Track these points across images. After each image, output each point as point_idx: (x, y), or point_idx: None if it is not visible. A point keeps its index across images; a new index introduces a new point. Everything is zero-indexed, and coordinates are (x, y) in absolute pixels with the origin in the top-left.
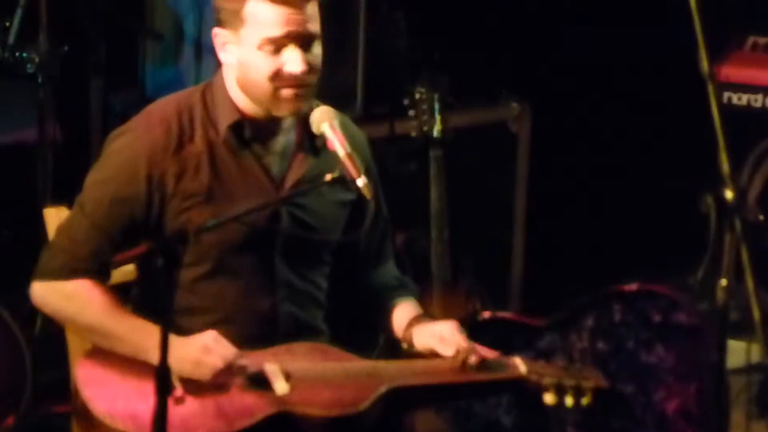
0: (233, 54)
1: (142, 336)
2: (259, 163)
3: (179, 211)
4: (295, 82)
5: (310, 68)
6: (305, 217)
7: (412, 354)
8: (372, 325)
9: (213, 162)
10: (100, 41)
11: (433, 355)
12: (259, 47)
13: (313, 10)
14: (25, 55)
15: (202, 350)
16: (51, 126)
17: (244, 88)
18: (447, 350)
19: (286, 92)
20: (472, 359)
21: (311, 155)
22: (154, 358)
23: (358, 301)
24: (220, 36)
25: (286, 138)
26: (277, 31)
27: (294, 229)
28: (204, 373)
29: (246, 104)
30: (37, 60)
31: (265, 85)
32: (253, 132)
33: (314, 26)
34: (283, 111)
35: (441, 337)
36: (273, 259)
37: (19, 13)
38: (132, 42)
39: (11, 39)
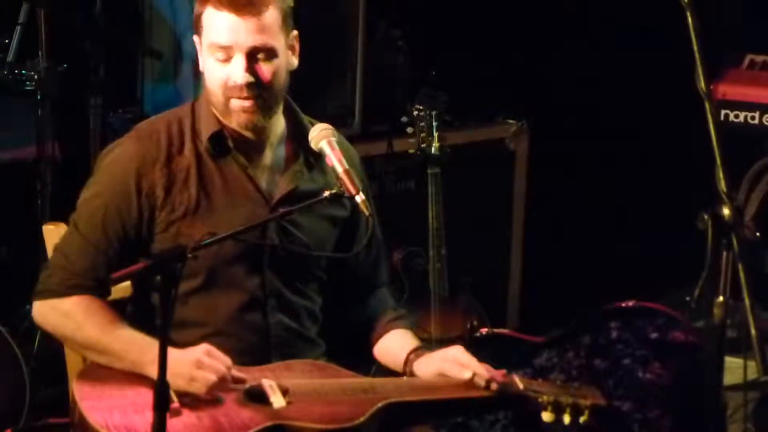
0: (199, 62)
1: (138, 351)
2: (244, 173)
3: (168, 223)
4: (242, 93)
5: (258, 80)
6: (294, 230)
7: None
8: (366, 353)
9: (201, 173)
10: (99, 59)
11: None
12: (210, 54)
13: (269, 20)
14: (24, 72)
15: (195, 365)
16: (50, 143)
17: (208, 98)
18: (461, 373)
19: (235, 103)
20: (494, 386)
21: (304, 170)
22: (151, 372)
23: (355, 329)
24: (195, 43)
25: (274, 153)
26: (222, 38)
27: (283, 242)
28: (198, 388)
29: (221, 115)
30: (36, 78)
31: (218, 95)
32: (235, 143)
33: (267, 38)
34: (234, 123)
35: (454, 360)
36: (263, 271)
37: (18, 30)
38: (131, 60)
39: (10, 57)
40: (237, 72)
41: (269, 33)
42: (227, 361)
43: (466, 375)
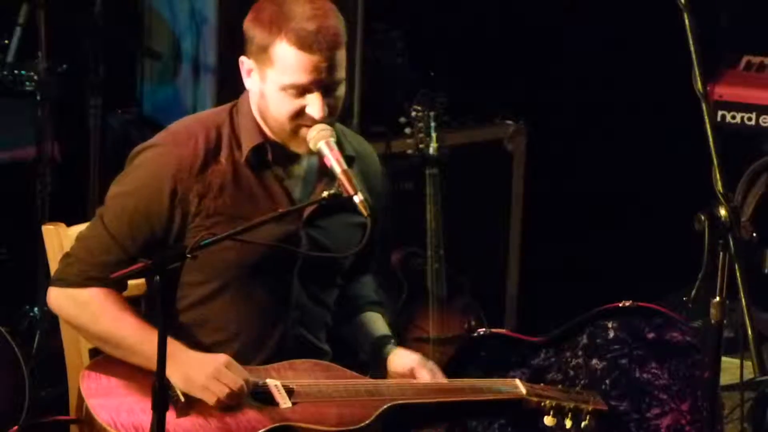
0: (256, 85)
1: (153, 347)
2: (280, 185)
3: (201, 230)
4: (315, 123)
5: (330, 111)
6: (323, 239)
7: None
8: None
9: (237, 182)
10: (99, 60)
11: (411, 376)
12: (281, 88)
13: (340, 56)
14: (23, 73)
15: (212, 376)
16: (49, 144)
17: (264, 118)
18: (426, 376)
19: (305, 131)
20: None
21: (334, 181)
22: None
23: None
24: (246, 64)
25: (308, 163)
26: (302, 79)
27: (311, 251)
28: (210, 398)
29: (268, 128)
30: (35, 78)
31: (284, 123)
32: (275, 155)
33: (340, 73)
34: (300, 148)
35: (422, 364)
36: (291, 282)
37: (17, 31)
38: (130, 61)
39: (10, 57)
40: (315, 109)
41: (340, 67)
42: (245, 374)
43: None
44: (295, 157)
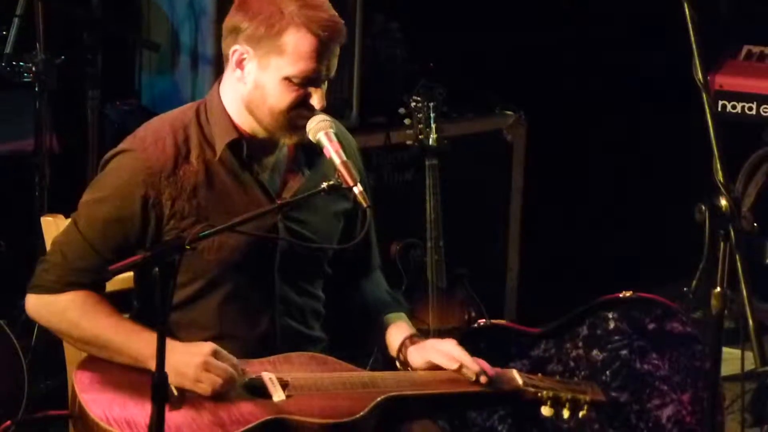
0: (250, 75)
1: (139, 345)
2: (257, 180)
3: (177, 232)
4: (311, 114)
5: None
6: (303, 231)
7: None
8: (363, 340)
9: (210, 181)
10: (97, 51)
11: (433, 368)
12: (287, 78)
13: (338, 48)
14: (22, 64)
15: (202, 367)
16: (48, 136)
17: (251, 109)
18: (451, 365)
19: (301, 122)
20: (483, 379)
21: (306, 169)
22: (152, 366)
23: (351, 314)
24: (239, 53)
25: (277, 155)
26: (315, 67)
27: (292, 243)
28: (204, 389)
29: (245, 121)
30: (33, 70)
31: (281, 114)
32: (250, 150)
33: (335, 66)
34: (291, 139)
35: (445, 353)
36: (272, 276)
37: (15, 22)
38: (128, 52)
39: (8, 48)
40: (318, 98)
41: (337, 59)
42: (233, 360)
43: (454, 366)
44: (266, 150)
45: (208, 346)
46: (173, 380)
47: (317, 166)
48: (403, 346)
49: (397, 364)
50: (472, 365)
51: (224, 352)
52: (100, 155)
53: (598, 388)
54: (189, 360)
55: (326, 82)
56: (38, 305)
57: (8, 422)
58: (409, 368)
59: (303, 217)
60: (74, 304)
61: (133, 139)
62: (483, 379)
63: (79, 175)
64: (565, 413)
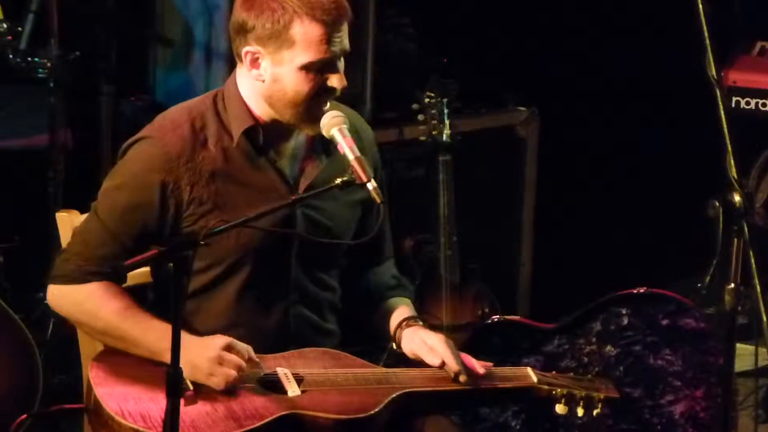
0: (266, 71)
1: (156, 338)
2: (274, 167)
3: (196, 217)
4: (332, 96)
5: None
6: (321, 218)
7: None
8: (365, 321)
9: (228, 168)
10: (111, 47)
11: (417, 359)
12: (303, 68)
13: (347, 26)
14: (36, 60)
15: (216, 361)
16: (62, 131)
17: (272, 103)
18: (434, 361)
19: (324, 107)
20: (462, 378)
21: (323, 157)
22: (168, 358)
23: (354, 298)
24: (251, 54)
25: (295, 141)
26: (327, 52)
27: (311, 231)
28: (217, 383)
29: (262, 110)
30: (48, 65)
31: (302, 103)
32: (266, 137)
33: (348, 43)
34: (314, 130)
35: (431, 348)
36: (289, 264)
37: (30, 18)
38: (142, 48)
39: (22, 44)
40: (338, 80)
41: (348, 35)
42: (248, 349)
43: (436, 362)
44: (284, 137)
45: (222, 340)
46: (187, 374)
47: (335, 153)
48: (399, 328)
49: (393, 344)
50: (452, 363)
51: (239, 345)
52: (114, 151)
53: (612, 384)
54: (203, 353)
55: (343, 60)
56: (59, 296)
57: (24, 416)
58: (401, 351)
59: (320, 204)
60: (94, 295)
61: (152, 127)
62: (462, 378)
63: (94, 171)
64: (579, 411)
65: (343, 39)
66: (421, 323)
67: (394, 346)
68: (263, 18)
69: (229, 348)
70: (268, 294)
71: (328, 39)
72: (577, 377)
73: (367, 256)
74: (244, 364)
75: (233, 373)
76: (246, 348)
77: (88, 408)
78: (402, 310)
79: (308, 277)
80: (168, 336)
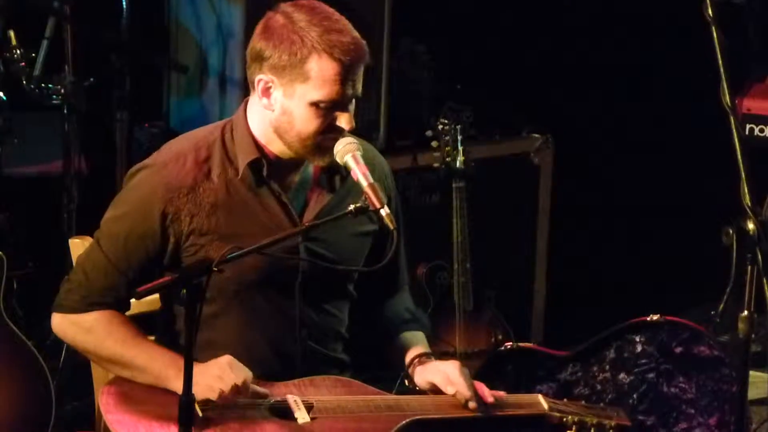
0: (277, 102)
1: (162, 365)
2: (278, 200)
3: (197, 248)
4: (339, 136)
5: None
6: (324, 251)
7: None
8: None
9: (230, 200)
10: (125, 74)
11: (436, 391)
12: (313, 104)
13: (363, 69)
14: (50, 86)
15: (217, 376)
16: (76, 158)
17: (280, 134)
18: (449, 390)
19: (330, 145)
20: (471, 405)
21: (328, 191)
22: (174, 386)
23: (370, 330)
24: (264, 82)
25: (302, 174)
26: (340, 92)
27: (314, 265)
28: (213, 395)
29: (270, 143)
30: (62, 92)
31: (309, 138)
32: (272, 169)
33: (361, 86)
34: (321, 162)
35: (445, 376)
36: (293, 297)
37: (44, 44)
38: (157, 75)
39: (37, 70)
40: (346, 120)
41: (363, 78)
42: (248, 373)
43: (450, 391)
44: (291, 170)
45: (225, 358)
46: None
47: (342, 186)
48: (411, 366)
49: (406, 382)
50: (463, 390)
51: (240, 364)
52: (123, 181)
53: (623, 412)
54: (205, 370)
55: (354, 102)
56: (63, 325)
57: None
58: (414, 386)
59: (325, 237)
60: (99, 324)
61: (156, 156)
62: (471, 405)
63: (108, 198)
64: None
65: (357, 82)
66: (433, 359)
67: (407, 383)
68: (281, 48)
69: (231, 365)
70: (274, 327)
71: (343, 79)
72: (588, 405)
73: (380, 287)
74: (243, 378)
75: (230, 383)
76: (247, 371)
77: None
78: (415, 349)
79: (314, 309)
80: (173, 363)
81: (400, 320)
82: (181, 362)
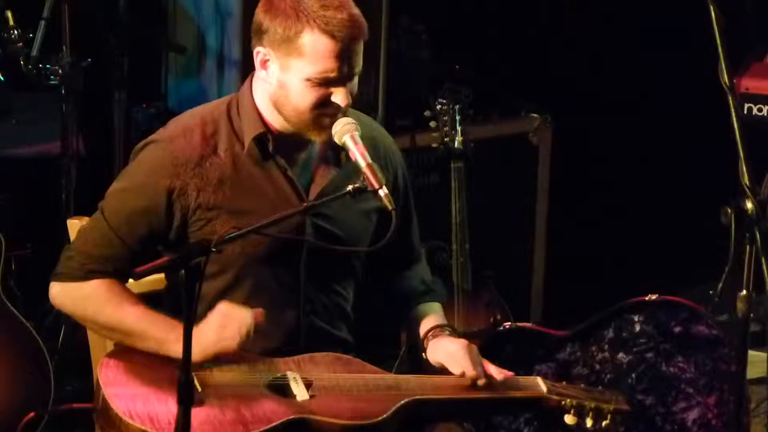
0: (274, 75)
1: (162, 330)
2: (284, 175)
3: (203, 223)
4: (337, 111)
5: (352, 99)
6: (331, 227)
7: (430, 368)
8: (397, 328)
9: (237, 175)
10: (123, 54)
11: (444, 370)
12: (308, 79)
13: (361, 45)
14: (48, 67)
15: (219, 327)
16: (74, 138)
17: (278, 107)
18: (456, 369)
19: (327, 120)
20: (480, 382)
21: (334, 166)
22: (174, 351)
23: (384, 305)
24: (262, 54)
25: (309, 150)
26: (333, 68)
27: (318, 240)
28: (229, 347)
29: (274, 118)
30: (60, 72)
31: (305, 113)
32: (277, 144)
33: (361, 62)
34: (319, 137)
35: (452, 355)
36: (298, 272)
37: (42, 25)
38: (155, 55)
39: (34, 51)
40: (341, 97)
41: (361, 56)
42: (247, 313)
43: (456, 371)
44: (298, 146)
45: (219, 308)
46: (198, 357)
47: (347, 163)
48: (426, 339)
49: (423, 355)
50: (470, 371)
51: (234, 306)
52: (126, 158)
53: (623, 397)
54: (205, 329)
55: (354, 79)
56: (62, 293)
57: (32, 413)
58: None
59: (332, 214)
60: (98, 291)
61: (163, 131)
62: (480, 382)
63: (106, 178)
64: (588, 422)
65: (354, 58)
66: (447, 331)
67: (423, 356)
68: (277, 22)
69: (228, 312)
70: (279, 302)
71: (337, 55)
72: (588, 388)
73: (391, 263)
74: (248, 317)
75: (238, 330)
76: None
77: (97, 408)
78: (429, 319)
79: (319, 286)
80: (173, 329)
81: (415, 293)
82: (177, 329)
